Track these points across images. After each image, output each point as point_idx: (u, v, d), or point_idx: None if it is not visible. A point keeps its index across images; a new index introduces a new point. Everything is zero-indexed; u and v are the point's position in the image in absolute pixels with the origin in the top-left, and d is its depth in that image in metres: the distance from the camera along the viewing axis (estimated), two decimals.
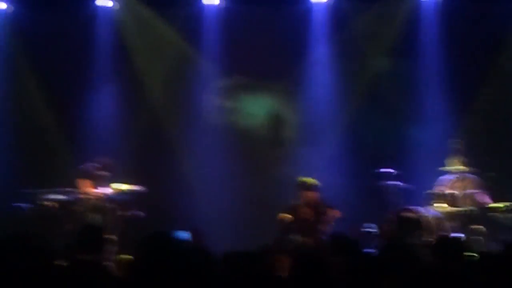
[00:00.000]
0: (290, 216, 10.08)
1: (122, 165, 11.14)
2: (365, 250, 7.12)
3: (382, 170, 11.00)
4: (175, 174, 11.89)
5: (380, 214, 10.58)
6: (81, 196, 10.56)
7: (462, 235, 9.80)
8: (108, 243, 9.67)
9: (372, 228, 10.32)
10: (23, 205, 10.63)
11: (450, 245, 6.16)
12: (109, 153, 10.96)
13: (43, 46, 12.05)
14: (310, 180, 10.32)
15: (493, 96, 11.75)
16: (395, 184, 10.81)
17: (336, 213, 10.13)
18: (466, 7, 11.71)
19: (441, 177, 10.73)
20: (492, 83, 11.78)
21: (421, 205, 10.47)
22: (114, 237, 9.78)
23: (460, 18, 11.81)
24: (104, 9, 12.35)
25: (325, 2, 12.27)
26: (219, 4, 12.33)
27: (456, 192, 10.48)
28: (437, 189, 10.55)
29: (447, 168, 10.61)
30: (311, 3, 12.33)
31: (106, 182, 10.69)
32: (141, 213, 10.70)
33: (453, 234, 9.64)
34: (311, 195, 10.23)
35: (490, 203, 10.35)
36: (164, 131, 12.32)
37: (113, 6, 12.30)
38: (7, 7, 12.40)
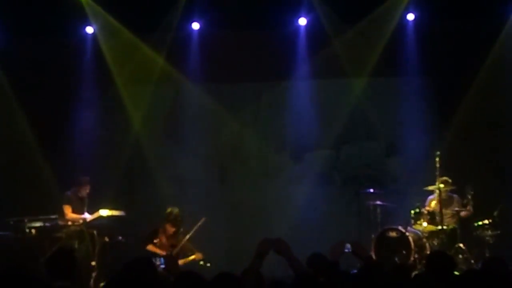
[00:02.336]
0: (154, 248, 10.17)
1: (103, 191, 11.12)
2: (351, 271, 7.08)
3: (365, 190, 11.04)
4: (156, 200, 11.85)
5: (362, 233, 10.60)
6: (63, 222, 10.52)
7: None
8: (87, 268, 9.69)
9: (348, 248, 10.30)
10: (5, 233, 10.57)
11: (443, 261, 6.09)
12: (91, 178, 10.91)
13: (27, 72, 12.02)
14: (176, 212, 10.29)
15: (472, 109, 11.84)
16: (378, 204, 10.84)
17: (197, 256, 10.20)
18: (443, 25, 11.84)
19: (428, 196, 10.77)
20: (471, 97, 11.88)
21: (405, 224, 10.49)
22: (93, 263, 9.73)
23: (439, 35, 11.93)
24: (87, 35, 12.37)
25: (307, 23, 12.36)
26: (203, 28, 12.37)
27: (437, 210, 10.50)
28: (421, 208, 10.57)
29: (431, 187, 10.63)
30: (298, 25, 12.40)
31: (87, 208, 10.65)
32: (121, 238, 10.66)
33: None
34: (172, 229, 10.25)
35: (473, 221, 10.38)
36: (146, 156, 12.30)
37: (94, 32, 12.30)
38: None
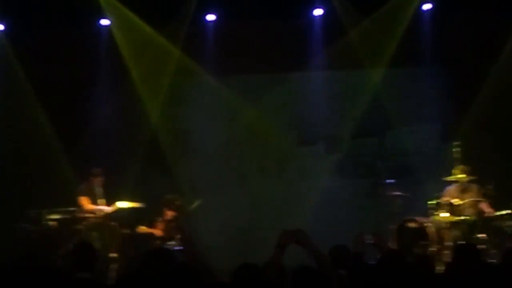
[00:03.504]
0: (147, 229, 10.33)
1: (121, 182, 11.15)
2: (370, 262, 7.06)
3: (385, 180, 11.00)
4: (173, 192, 11.86)
5: (383, 224, 10.56)
6: (82, 214, 10.55)
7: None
8: (105, 260, 9.73)
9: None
10: (26, 225, 10.63)
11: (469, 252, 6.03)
12: (108, 171, 10.94)
13: (44, 64, 12.04)
14: (174, 198, 10.52)
15: (489, 100, 11.76)
16: (398, 194, 10.79)
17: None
18: (461, 14, 11.76)
19: (446, 186, 10.70)
20: (488, 89, 11.79)
21: (424, 215, 10.45)
22: (114, 254, 9.76)
23: (456, 26, 11.84)
24: (104, 27, 12.35)
25: (323, 14, 12.31)
26: (218, 20, 12.33)
27: (458, 201, 10.44)
28: (439, 198, 10.52)
29: (450, 178, 10.58)
30: (312, 16, 12.34)
31: (105, 196, 10.66)
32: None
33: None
34: (171, 213, 10.42)
35: (492, 212, 10.31)
36: (163, 148, 12.30)
37: (110, 24, 12.30)
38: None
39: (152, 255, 5.62)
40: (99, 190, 10.75)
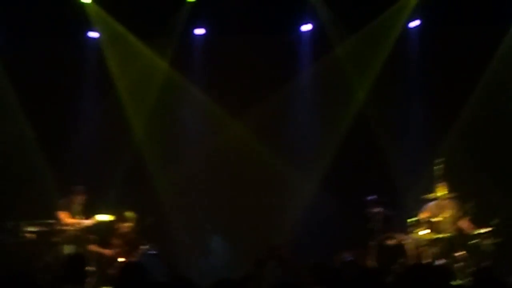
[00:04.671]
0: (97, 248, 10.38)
1: (104, 195, 11.08)
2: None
3: (367, 197, 11.02)
4: (154, 205, 11.81)
5: (363, 241, 10.57)
6: (60, 227, 10.47)
7: (445, 261, 9.79)
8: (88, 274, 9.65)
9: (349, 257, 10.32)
10: (2, 237, 10.52)
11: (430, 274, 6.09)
12: (92, 183, 10.88)
13: (29, 75, 11.99)
14: (128, 213, 10.58)
15: (474, 118, 11.84)
16: (379, 211, 10.80)
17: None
18: (447, 31, 11.81)
19: (426, 203, 10.73)
20: (473, 103, 11.88)
21: (404, 232, 10.47)
22: (92, 268, 9.70)
23: (442, 42, 11.92)
24: (92, 39, 12.32)
25: (311, 29, 12.37)
26: (207, 34, 12.33)
27: (438, 218, 10.47)
28: (419, 215, 10.54)
29: (431, 195, 10.60)
30: (301, 31, 12.39)
31: (85, 213, 10.60)
32: None
33: (436, 262, 9.64)
34: (125, 227, 10.48)
35: (472, 229, 10.35)
36: (148, 161, 12.25)
37: (98, 36, 12.26)
38: None
39: (127, 270, 5.62)
40: (78, 207, 10.67)
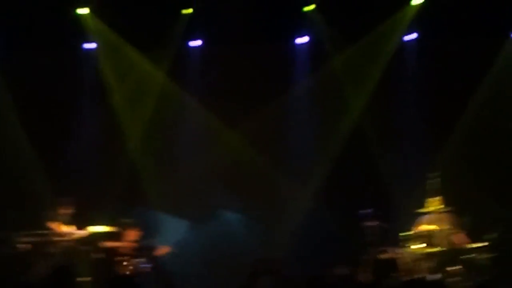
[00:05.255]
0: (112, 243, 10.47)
1: (96, 206, 11.06)
2: None
3: (361, 211, 11.00)
4: (146, 216, 11.80)
5: (358, 255, 10.54)
6: (54, 238, 10.44)
7: (439, 276, 9.75)
8: (81, 285, 9.63)
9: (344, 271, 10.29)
10: None
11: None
12: (84, 195, 10.86)
13: (26, 86, 12.01)
14: (129, 221, 10.70)
15: (471, 128, 11.84)
16: (375, 225, 10.77)
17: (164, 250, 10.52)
18: (444, 43, 11.83)
19: (419, 217, 10.70)
20: (470, 116, 11.88)
21: (398, 246, 10.44)
22: (87, 278, 9.67)
23: (439, 54, 11.93)
24: (88, 50, 12.32)
25: (307, 41, 12.39)
26: (204, 45, 12.35)
27: (432, 232, 10.44)
28: (414, 229, 10.51)
29: (425, 209, 10.58)
30: (297, 42, 12.39)
31: (78, 224, 10.58)
32: None
33: (430, 277, 9.60)
34: (132, 233, 10.56)
35: (466, 243, 10.32)
36: (143, 173, 12.22)
37: (95, 47, 12.27)
38: None
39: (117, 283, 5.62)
40: (65, 218, 10.65)
